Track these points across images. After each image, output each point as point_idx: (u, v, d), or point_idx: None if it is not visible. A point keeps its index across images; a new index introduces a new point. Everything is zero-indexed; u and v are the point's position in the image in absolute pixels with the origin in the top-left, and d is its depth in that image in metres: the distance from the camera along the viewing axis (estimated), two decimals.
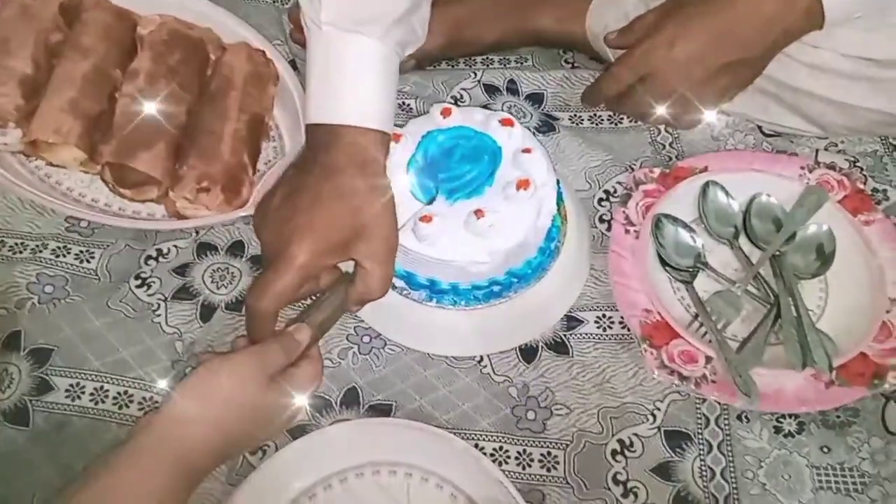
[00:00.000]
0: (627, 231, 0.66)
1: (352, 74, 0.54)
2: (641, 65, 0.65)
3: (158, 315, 0.63)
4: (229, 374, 0.48)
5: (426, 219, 0.55)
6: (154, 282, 0.64)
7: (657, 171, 0.69)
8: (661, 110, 0.67)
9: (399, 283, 0.61)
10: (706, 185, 0.67)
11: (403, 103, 0.76)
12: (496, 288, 0.60)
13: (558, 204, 0.61)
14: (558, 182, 0.61)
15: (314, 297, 0.56)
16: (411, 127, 0.62)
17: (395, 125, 0.60)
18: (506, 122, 0.61)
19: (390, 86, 0.56)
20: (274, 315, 0.52)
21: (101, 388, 0.59)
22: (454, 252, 0.56)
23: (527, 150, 0.59)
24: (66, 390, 0.59)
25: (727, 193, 0.68)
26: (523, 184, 0.57)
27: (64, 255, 0.65)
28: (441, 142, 0.60)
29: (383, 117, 0.55)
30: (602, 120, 0.77)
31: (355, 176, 0.53)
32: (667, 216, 0.66)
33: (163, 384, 0.60)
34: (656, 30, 0.64)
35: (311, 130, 0.55)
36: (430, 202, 0.58)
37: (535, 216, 0.57)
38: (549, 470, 0.58)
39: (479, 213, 0.56)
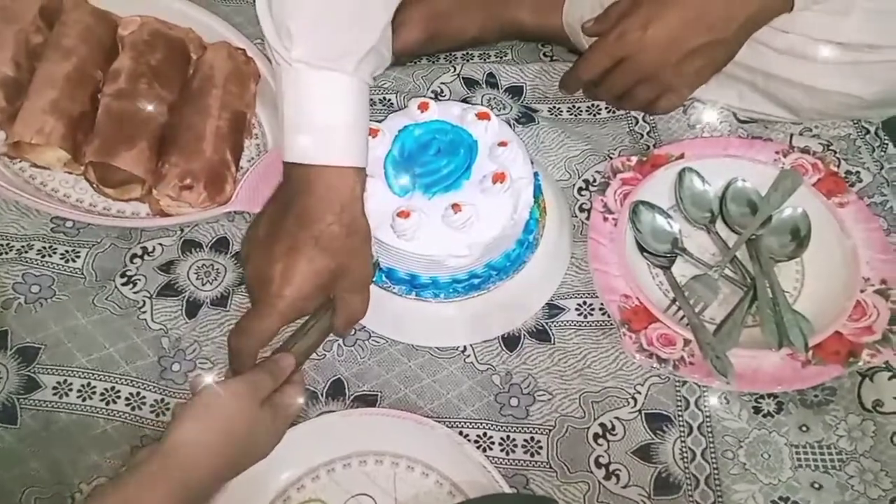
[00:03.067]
0: (606, 219, 0.66)
1: (325, 114, 0.55)
2: (616, 49, 0.66)
3: (144, 312, 0.64)
4: (228, 401, 0.50)
5: (404, 214, 0.56)
6: (139, 279, 0.65)
7: (634, 159, 0.70)
8: (637, 94, 0.68)
9: (382, 277, 0.62)
10: (682, 171, 0.68)
11: (384, 98, 0.77)
12: (476, 280, 0.61)
13: (537, 196, 0.62)
14: (536, 175, 0.62)
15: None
16: (389, 122, 0.63)
17: (375, 120, 0.61)
18: (482, 116, 0.61)
19: (363, 119, 0.56)
20: (255, 353, 0.56)
21: (89, 384, 0.60)
22: (432, 246, 0.57)
23: (503, 144, 0.60)
24: (54, 388, 0.60)
25: (703, 179, 0.69)
26: (499, 177, 0.57)
27: (50, 255, 0.66)
28: (418, 136, 0.61)
29: (358, 153, 0.56)
30: (581, 111, 0.78)
31: (332, 223, 0.54)
32: (644, 203, 0.67)
33: (150, 380, 0.61)
34: (630, 14, 0.65)
35: (288, 168, 0.56)
36: (408, 197, 0.59)
37: (512, 209, 0.58)
38: (532, 455, 0.59)
39: (455, 207, 0.56)
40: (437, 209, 0.57)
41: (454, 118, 0.62)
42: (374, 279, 0.60)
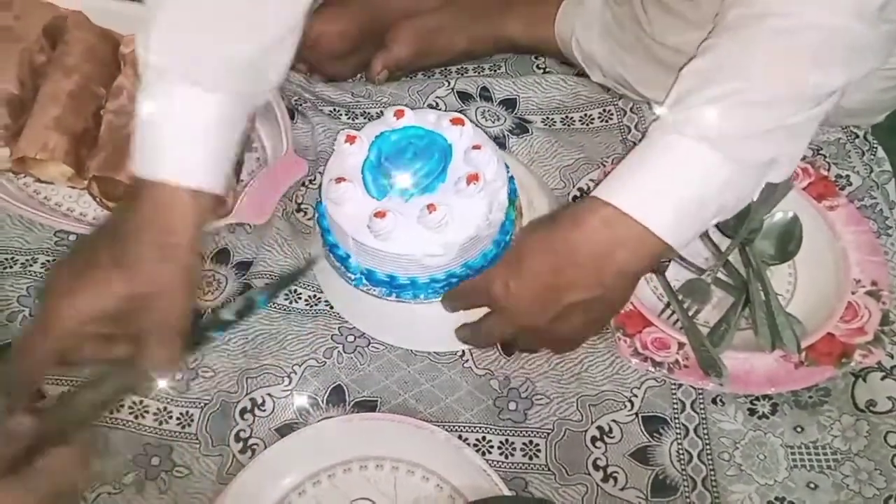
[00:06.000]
0: None
1: (171, 127, 0.48)
2: (483, 298, 0.57)
3: None
4: None
5: (380, 214, 0.57)
6: None
7: None
8: (518, 343, 0.62)
9: (363, 280, 0.62)
10: None
11: (381, 112, 0.78)
12: (454, 280, 0.61)
13: (513, 198, 0.63)
14: (512, 178, 0.63)
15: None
16: (366, 130, 0.64)
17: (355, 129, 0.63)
18: (456, 122, 0.62)
19: (221, 140, 0.50)
20: (39, 374, 0.49)
21: None
22: (409, 246, 0.58)
23: (477, 147, 0.60)
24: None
25: None
26: (473, 178, 0.58)
27: None
28: (394, 141, 0.62)
29: (207, 176, 0.48)
30: (574, 121, 0.79)
31: (146, 243, 0.47)
32: None
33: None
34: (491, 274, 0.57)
35: (134, 182, 0.50)
36: (385, 199, 0.59)
37: (487, 209, 0.59)
38: (531, 458, 0.60)
39: (431, 207, 0.57)
40: (413, 210, 0.58)
41: (429, 124, 0.63)
42: (364, 284, 0.60)
